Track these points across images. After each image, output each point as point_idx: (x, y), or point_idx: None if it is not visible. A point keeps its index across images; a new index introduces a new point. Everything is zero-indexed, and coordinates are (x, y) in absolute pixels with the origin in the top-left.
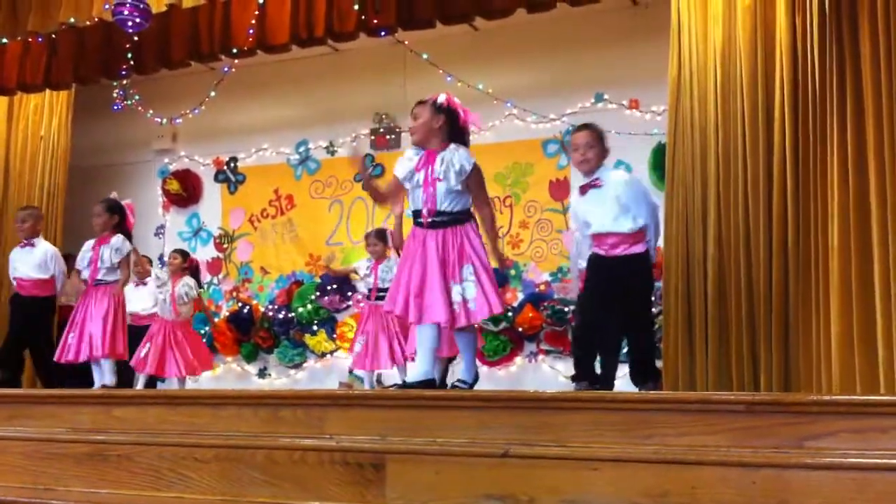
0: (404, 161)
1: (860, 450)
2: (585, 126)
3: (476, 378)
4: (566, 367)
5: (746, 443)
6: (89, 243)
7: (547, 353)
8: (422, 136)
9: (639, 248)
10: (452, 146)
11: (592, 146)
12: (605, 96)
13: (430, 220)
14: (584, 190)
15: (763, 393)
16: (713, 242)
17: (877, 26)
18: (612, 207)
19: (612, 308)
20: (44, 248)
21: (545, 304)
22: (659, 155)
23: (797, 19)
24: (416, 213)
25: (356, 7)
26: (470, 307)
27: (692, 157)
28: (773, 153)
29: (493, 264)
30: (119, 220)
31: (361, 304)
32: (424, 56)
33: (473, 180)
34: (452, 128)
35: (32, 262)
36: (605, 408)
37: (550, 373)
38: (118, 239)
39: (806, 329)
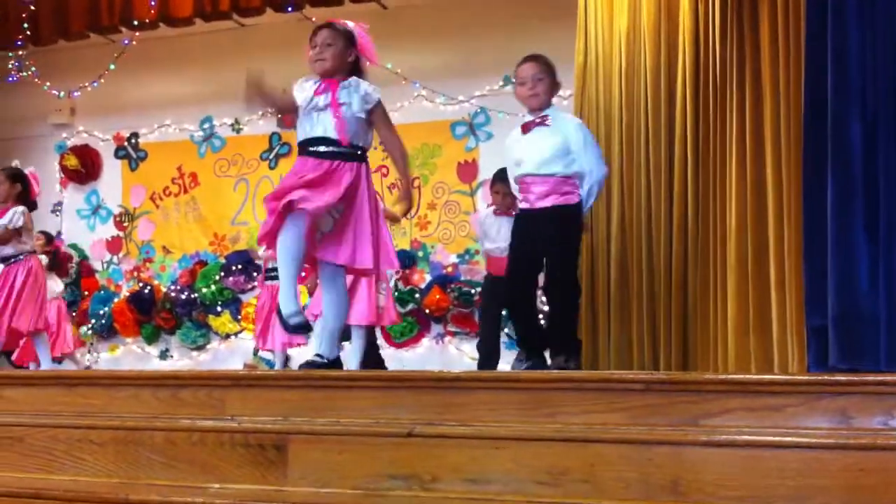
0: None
1: (753, 427)
2: (532, 57)
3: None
4: (472, 349)
5: (644, 421)
6: None
7: (454, 334)
8: (334, 66)
9: (570, 199)
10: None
11: (541, 79)
12: (514, 79)
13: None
14: (526, 128)
15: (661, 372)
16: (616, 224)
17: (776, 15)
18: (551, 148)
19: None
20: None
21: (452, 285)
22: None
23: (700, 7)
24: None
25: None
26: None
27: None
28: (675, 138)
29: (399, 209)
30: (22, 190)
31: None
32: None
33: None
34: (358, 65)
35: None
36: (509, 387)
37: (457, 354)
38: (11, 212)
39: (703, 310)
